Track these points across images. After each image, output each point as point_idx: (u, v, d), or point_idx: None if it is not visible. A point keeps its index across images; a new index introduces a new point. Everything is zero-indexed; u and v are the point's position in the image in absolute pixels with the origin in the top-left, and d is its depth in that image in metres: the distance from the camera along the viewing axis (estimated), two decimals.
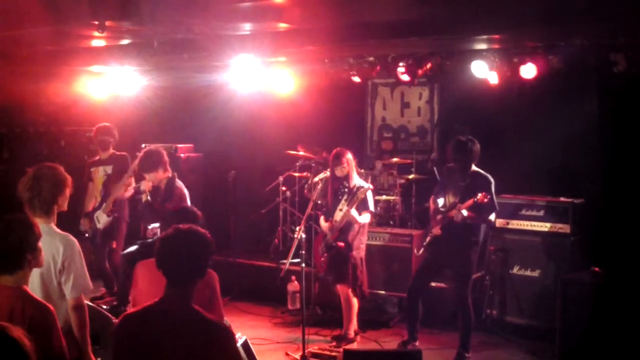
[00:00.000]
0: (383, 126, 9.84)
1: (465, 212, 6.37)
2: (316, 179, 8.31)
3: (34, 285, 3.87)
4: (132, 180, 7.71)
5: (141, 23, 6.07)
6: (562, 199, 7.33)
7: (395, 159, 8.77)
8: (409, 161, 8.69)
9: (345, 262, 6.87)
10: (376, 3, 5.70)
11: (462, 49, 7.43)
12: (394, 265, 7.84)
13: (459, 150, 6.54)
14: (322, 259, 7.04)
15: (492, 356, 6.93)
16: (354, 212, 6.77)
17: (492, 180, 6.51)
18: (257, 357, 5.01)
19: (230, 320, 4.67)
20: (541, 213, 7.33)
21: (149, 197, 6.98)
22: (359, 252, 6.96)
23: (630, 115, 7.18)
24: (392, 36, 6.56)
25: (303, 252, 6.40)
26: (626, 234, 6.86)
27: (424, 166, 8.76)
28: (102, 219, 7.89)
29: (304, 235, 6.47)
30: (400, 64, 7.74)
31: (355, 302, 7.02)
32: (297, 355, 6.56)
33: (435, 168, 8.18)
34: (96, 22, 5.74)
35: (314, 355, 6.57)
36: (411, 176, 8.55)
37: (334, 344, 6.94)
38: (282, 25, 6.47)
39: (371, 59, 7.97)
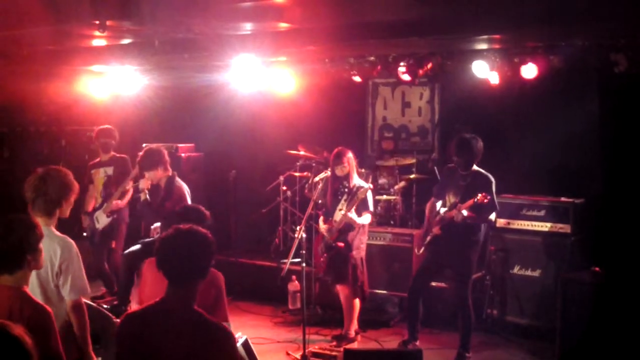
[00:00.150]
0: (384, 126, 9.84)
1: (465, 212, 6.38)
2: (317, 178, 8.31)
3: (32, 286, 3.86)
4: (131, 186, 7.76)
5: (142, 23, 6.06)
6: (562, 199, 7.33)
7: (395, 159, 8.78)
8: (409, 161, 8.69)
9: (345, 262, 6.87)
10: (377, 3, 5.69)
11: (462, 49, 7.43)
12: (394, 265, 7.85)
13: (462, 147, 6.54)
14: (322, 259, 7.04)
15: (493, 356, 6.93)
16: (353, 214, 6.76)
17: (492, 180, 6.51)
18: (257, 356, 5.01)
19: (231, 319, 4.67)
20: (542, 213, 7.33)
21: (147, 196, 6.98)
22: (359, 252, 6.96)
23: (631, 115, 7.19)
24: (393, 36, 6.56)
25: (304, 251, 6.40)
26: (626, 234, 6.86)
27: (425, 166, 8.76)
28: (101, 220, 7.93)
29: (304, 235, 6.47)
30: (401, 63, 7.74)
31: (357, 302, 7.02)
32: (298, 355, 6.56)
33: (435, 168, 8.19)
34: (97, 22, 5.73)
35: (315, 354, 6.57)
36: (412, 176, 8.55)
37: (334, 343, 6.95)
38: (283, 25, 6.46)
39: (372, 58, 7.97)
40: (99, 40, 7.26)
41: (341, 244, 6.86)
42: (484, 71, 7.30)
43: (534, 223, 7.35)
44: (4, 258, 3.48)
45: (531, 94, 7.65)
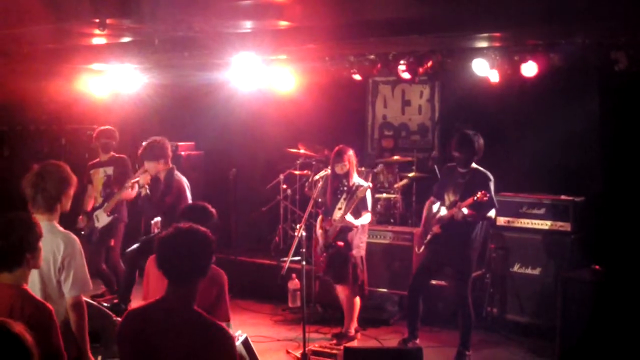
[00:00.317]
0: (384, 124, 9.84)
1: (466, 211, 6.38)
2: (317, 177, 8.31)
3: (33, 283, 3.87)
4: (134, 180, 7.77)
5: (142, 21, 6.07)
6: (562, 197, 7.33)
7: (395, 157, 8.78)
8: (409, 159, 8.69)
9: (345, 261, 6.87)
10: (377, 1, 5.69)
11: (463, 47, 7.43)
12: (394, 263, 7.85)
13: (463, 143, 6.54)
14: (321, 258, 7.04)
15: (493, 354, 6.94)
16: (350, 218, 6.75)
17: (491, 177, 6.51)
18: (257, 354, 5.02)
19: (231, 317, 4.66)
20: (542, 211, 7.33)
21: (148, 191, 7.00)
22: (359, 251, 6.96)
23: (631, 113, 7.19)
24: (393, 34, 6.55)
25: (304, 250, 6.40)
26: (626, 232, 6.87)
27: (425, 164, 8.75)
28: (102, 218, 7.94)
29: (304, 233, 6.48)
30: (401, 62, 7.73)
31: (357, 300, 7.02)
32: (298, 353, 6.56)
33: (436, 166, 8.19)
34: (97, 20, 5.73)
35: (315, 352, 6.57)
36: (412, 174, 8.55)
37: (334, 341, 6.95)
38: (283, 23, 6.46)
39: (372, 57, 7.97)
40: (99, 39, 7.26)
41: (341, 243, 6.86)
42: (484, 69, 7.29)
43: (534, 221, 7.35)
44: (5, 257, 3.48)
45: (531, 92, 7.65)
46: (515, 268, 7.39)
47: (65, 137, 10.22)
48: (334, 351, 6.58)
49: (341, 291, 7.02)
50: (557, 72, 7.10)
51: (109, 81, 9.72)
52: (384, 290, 7.94)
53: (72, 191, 4.39)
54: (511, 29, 6.39)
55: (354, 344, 6.91)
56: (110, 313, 5.41)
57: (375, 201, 8.27)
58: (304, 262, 6.37)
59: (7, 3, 5.59)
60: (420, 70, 7.75)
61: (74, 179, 4.42)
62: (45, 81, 8.87)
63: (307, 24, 6.49)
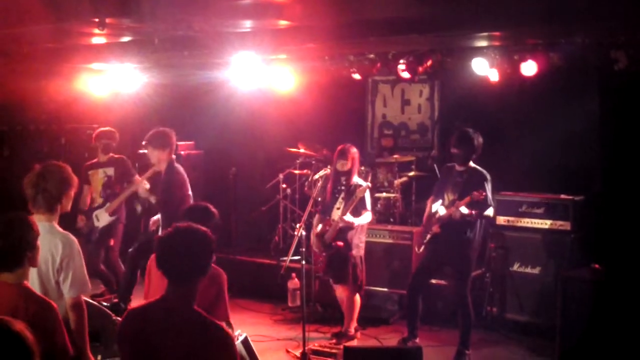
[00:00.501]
0: (383, 123, 9.84)
1: (466, 210, 6.38)
2: (316, 176, 8.33)
3: (32, 284, 3.86)
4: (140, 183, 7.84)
5: (141, 20, 6.06)
6: (562, 196, 7.33)
7: (395, 156, 8.78)
8: (409, 158, 8.69)
9: (345, 261, 6.86)
10: (377, 0, 5.69)
11: (462, 46, 7.43)
12: (394, 263, 7.85)
13: (462, 140, 6.55)
14: (321, 258, 7.03)
15: (492, 353, 6.94)
16: (349, 217, 6.75)
17: (488, 176, 6.51)
18: (257, 354, 5.02)
19: (231, 317, 4.66)
20: (541, 210, 7.33)
21: (152, 200, 7.08)
22: (359, 250, 6.95)
23: (631, 112, 7.18)
24: (393, 33, 6.55)
25: (303, 249, 6.40)
26: (626, 231, 6.86)
27: (425, 163, 8.76)
28: (102, 218, 7.96)
29: (304, 233, 6.48)
30: (401, 61, 7.74)
31: (357, 300, 7.02)
32: (298, 352, 6.56)
33: (435, 165, 8.19)
34: (97, 20, 5.73)
35: (314, 352, 6.57)
36: (411, 173, 8.55)
37: (334, 341, 6.95)
38: (283, 23, 6.45)
39: (371, 56, 7.97)
40: (98, 38, 7.25)
41: (340, 243, 6.85)
42: (484, 68, 7.30)
43: (533, 220, 7.35)
44: (5, 256, 3.49)
45: (531, 92, 7.65)
46: (515, 267, 7.39)
47: (65, 137, 10.22)
48: (334, 350, 6.58)
49: (341, 291, 7.02)
50: (556, 71, 7.10)
51: (109, 80, 9.72)
52: (384, 289, 7.94)
53: (73, 192, 4.39)
54: (511, 28, 6.39)
55: (354, 343, 6.91)
56: (110, 312, 5.41)
57: (374, 200, 8.27)
58: (303, 262, 6.38)
59: (7, 3, 5.59)
60: (420, 69, 7.75)
61: (75, 179, 4.43)
62: (45, 81, 8.87)
63: (306, 23, 6.49)
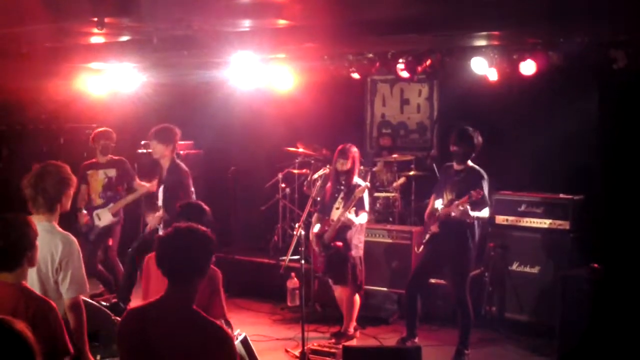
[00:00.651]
0: (382, 123, 9.85)
1: (471, 212, 6.35)
2: (315, 175, 8.33)
3: (32, 284, 3.86)
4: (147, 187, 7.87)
5: (140, 20, 6.06)
6: (561, 195, 7.33)
7: (394, 156, 8.78)
8: (408, 158, 8.69)
9: (344, 262, 6.85)
10: (376, 0, 5.69)
11: (461, 46, 7.42)
12: (393, 262, 7.85)
13: (461, 137, 6.55)
14: (320, 258, 7.03)
15: (492, 353, 6.94)
16: (351, 215, 6.74)
17: (485, 176, 6.50)
18: (256, 353, 5.02)
19: (230, 316, 4.67)
20: (541, 210, 7.34)
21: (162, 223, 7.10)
22: (358, 250, 6.95)
23: (630, 112, 7.19)
24: (392, 33, 6.55)
25: (302, 249, 6.40)
26: (625, 231, 6.88)
27: (424, 163, 8.76)
28: (104, 217, 7.96)
29: (303, 232, 6.47)
30: (400, 60, 7.74)
31: (357, 300, 7.02)
32: (297, 352, 6.56)
33: (434, 165, 8.19)
34: (96, 19, 5.73)
35: (313, 351, 6.57)
36: (410, 173, 8.55)
37: (333, 340, 6.95)
38: (282, 22, 6.45)
39: (371, 55, 7.97)
40: (97, 38, 7.25)
41: (339, 243, 6.85)
42: (483, 68, 7.30)
43: (533, 220, 7.35)
44: (5, 257, 3.49)
45: (530, 91, 7.66)
46: (514, 266, 7.40)
47: (64, 136, 10.21)
48: (333, 350, 6.58)
49: (340, 291, 7.02)
50: (556, 71, 7.10)
51: (108, 80, 9.71)
52: (383, 289, 7.94)
53: (72, 191, 4.40)
54: (510, 28, 6.39)
55: (353, 342, 6.91)
56: (109, 312, 5.40)
57: (374, 200, 8.28)
58: (302, 261, 6.38)
59: (6, 2, 5.59)
60: (419, 68, 7.75)
61: (74, 179, 4.43)
62: (44, 80, 8.85)
63: (305, 22, 6.49)
